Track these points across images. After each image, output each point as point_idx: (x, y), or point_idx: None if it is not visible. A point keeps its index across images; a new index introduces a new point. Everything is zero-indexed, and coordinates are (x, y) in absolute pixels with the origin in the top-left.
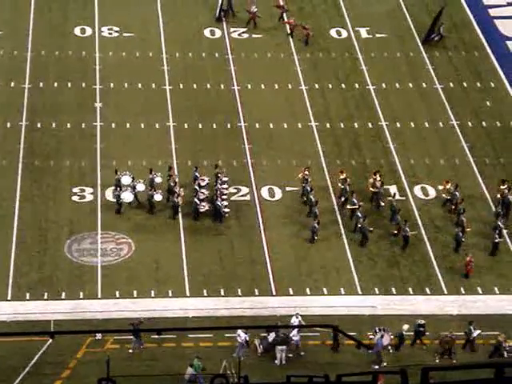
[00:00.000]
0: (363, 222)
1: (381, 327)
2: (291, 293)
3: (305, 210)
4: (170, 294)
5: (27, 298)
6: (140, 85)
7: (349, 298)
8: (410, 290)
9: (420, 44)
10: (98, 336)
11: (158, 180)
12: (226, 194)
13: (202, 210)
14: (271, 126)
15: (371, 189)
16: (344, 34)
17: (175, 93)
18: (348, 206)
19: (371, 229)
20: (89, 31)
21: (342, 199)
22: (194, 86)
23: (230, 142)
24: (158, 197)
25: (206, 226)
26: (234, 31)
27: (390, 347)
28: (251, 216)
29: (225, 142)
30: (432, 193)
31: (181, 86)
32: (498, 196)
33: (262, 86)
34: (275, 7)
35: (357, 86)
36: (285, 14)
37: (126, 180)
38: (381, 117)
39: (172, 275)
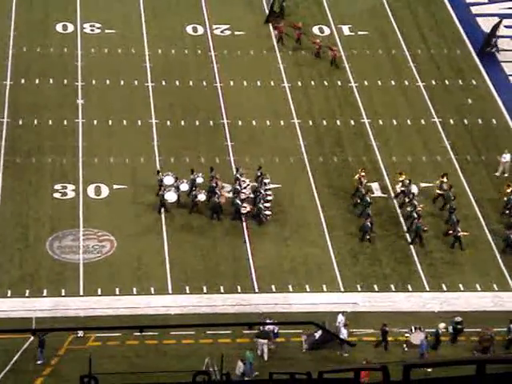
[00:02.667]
0: (417, 222)
1: (416, 325)
2: (273, 290)
3: (286, 206)
4: (153, 291)
5: (8, 295)
6: (122, 82)
7: (331, 294)
8: (392, 286)
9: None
10: (80, 333)
11: (200, 180)
12: (270, 195)
13: (243, 212)
14: (254, 123)
15: (438, 191)
16: (327, 31)
17: (157, 90)
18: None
19: (426, 228)
20: (71, 28)
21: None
22: (177, 83)
23: (213, 139)
24: (201, 197)
25: (189, 224)
26: (217, 28)
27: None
28: (233, 212)
29: (207, 139)
30: (414, 190)
31: (163, 83)
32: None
33: (245, 84)
34: (292, 27)
35: (339, 83)
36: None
37: (168, 180)
38: (363, 114)
39: (154, 272)
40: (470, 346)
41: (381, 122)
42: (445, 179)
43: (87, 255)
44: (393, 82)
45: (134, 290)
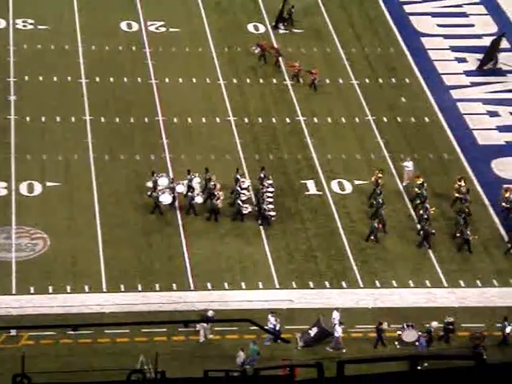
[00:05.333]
0: (426, 224)
1: (409, 323)
2: (209, 287)
3: (226, 203)
4: (87, 290)
5: None
6: (55, 78)
7: (266, 292)
8: (327, 283)
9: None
10: (13, 332)
11: (197, 181)
12: (271, 197)
13: (245, 212)
14: (189, 120)
15: (456, 194)
16: (262, 28)
17: (91, 86)
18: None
19: (433, 231)
20: (3, 24)
21: (418, 202)
22: (111, 79)
23: (148, 136)
24: (198, 199)
25: (123, 222)
26: (152, 25)
27: (417, 343)
28: (169, 210)
29: (142, 136)
30: (348, 187)
31: (97, 80)
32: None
33: (180, 80)
34: (271, 50)
35: (275, 81)
36: (281, 58)
37: (163, 182)
38: (298, 112)
39: (88, 270)
40: (461, 344)
41: (316, 120)
42: (462, 183)
43: (19, 253)
44: (327, 81)
45: (68, 288)
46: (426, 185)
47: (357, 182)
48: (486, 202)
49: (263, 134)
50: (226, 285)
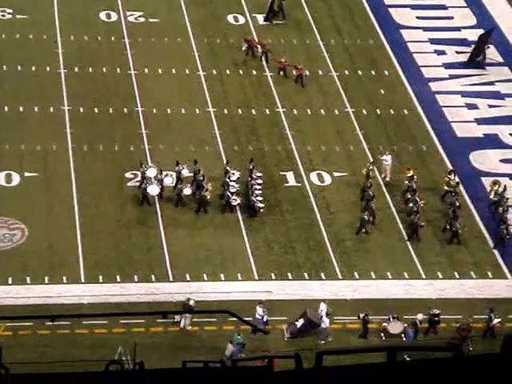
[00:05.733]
0: (415, 217)
1: (394, 315)
2: (188, 278)
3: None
4: (65, 281)
5: None
6: (34, 68)
7: (245, 283)
8: (306, 275)
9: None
10: None
11: (185, 173)
12: (260, 190)
13: (234, 204)
14: (168, 111)
15: (446, 187)
16: (241, 20)
17: (70, 76)
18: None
19: (422, 224)
20: None
21: (408, 195)
22: (90, 69)
23: (127, 126)
24: (187, 191)
25: (103, 212)
26: (131, 15)
27: (402, 335)
28: (149, 201)
29: (121, 126)
30: (328, 179)
31: (76, 70)
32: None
33: (160, 71)
34: (258, 45)
35: (254, 72)
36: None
37: (151, 173)
38: (278, 103)
39: (67, 261)
40: (448, 335)
41: (295, 112)
42: (452, 176)
43: None
44: (307, 72)
45: (46, 278)
46: (416, 177)
47: (336, 174)
48: (465, 194)
49: (243, 125)
50: (204, 276)
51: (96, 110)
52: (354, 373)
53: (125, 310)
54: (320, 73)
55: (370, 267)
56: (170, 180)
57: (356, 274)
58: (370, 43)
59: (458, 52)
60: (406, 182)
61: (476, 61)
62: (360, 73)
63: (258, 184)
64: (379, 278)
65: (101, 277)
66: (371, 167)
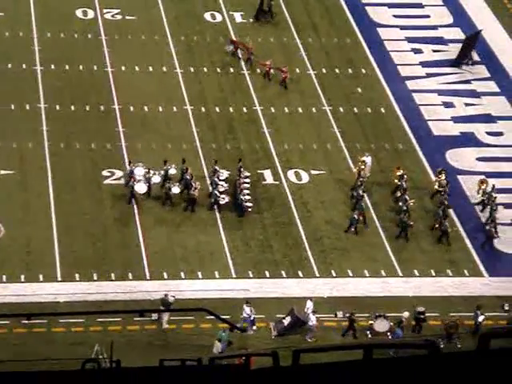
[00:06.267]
0: (404, 216)
1: (380, 313)
2: (165, 277)
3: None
4: (41, 279)
5: None
6: (10, 65)
7: (223, 281)
8: (283, 273)
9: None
10: None
11: (173, 171)
12: (248, 189)
13: (222, 202)
14: (146, 108)
15: (436, 187)
16: (219, 17)
17: (47, 74)
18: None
19: (411, 223)
20: None
21: (398, 194)
22: (67, 67)
23: (104, 124)
24: (175, 189)
25: (80, 210)
26: (108, 12)
27: (388, 333)
28: (125, 199)
29: (98, 124)
30: (305, 177)
31: (52, 67)
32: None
33: (137, 69)
34: (243, 48)
35: (232, 70)
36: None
37: (138, 171)
38: (255, 101)
39: (43, 259)
40: (434, 332)
41: (273, 110)
42: (443, 176)
43: None
44: (284, 69)
45: (22, 277)
46: (406, 176)
47: (313, 172)
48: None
49: (220, 123)
50: (182, 274)
51: (73, 108)
52: (331, 370)
53: (101, 308)
54: (297, 71)
55: (347, 265)
56: (158, 179)
57: (333, 271)
58: (347, 42)
59: (434, 50)
60: (396, 180)
61: (462, 64)
62: (337, 71)
63: (247, 183)
64: (356, 275)
65: (77, 275)
66: (362, 166)
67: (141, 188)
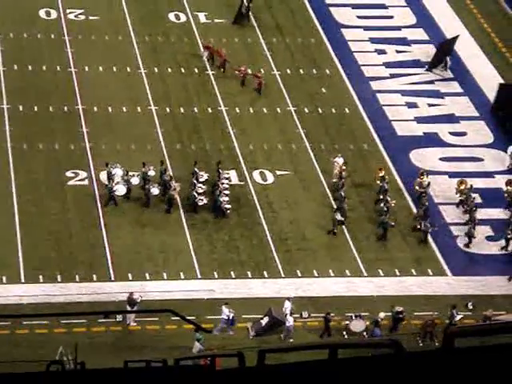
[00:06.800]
0: (386, 218)
1: (357, 313)
2: (130, 278)
3: (142, 193)
4: (4, 281)
5: None
6: None
7: (188, 282)
8: (249, 273)
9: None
10: None
11: (152, 173)
12: (227, 189)
13: (200, 204)
14: (110, 109)
15: (417, 187)
16: (183, 18)
17: (9, 74)
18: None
19: (393, 223)
20: None
21: (380, 196)
22: (30, 67)
23: (68, 125)
24: (155, 190)
25: (43, 211)
26: (71, 12)
27: (365, 333)
28: (90, 200)
29: (62, 125)
30: (270, 177)
31: (15, 68)
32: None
33: (100, 69)
34: (217, 54)
35: (196, 70)
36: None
37: (117, 173)
38: (220, 102)
39: (6, 261)
40: (412, 331)
41: (238, 110)
42: (424, 178)
43: None
44: (249, 71)
45: None
46: (387, 178)
47: (278, 173)
48: (405, 192)
49: (185, 123)
50: (147, 275)
51: (36, 109)
52: (297, 370)
53: (66, 309)
54: (262, 71)
55: (312, 265)
56: (137, 180)
57: (298, 271)
58: (312, 42)
59: (398, 51)
60: (378, 182)
61: (436, 69)
62: (302, 71)
63: (227, 185)
64: (321, 275)
65: (41, 276)
66: (344, 167)
67: (120, 190)
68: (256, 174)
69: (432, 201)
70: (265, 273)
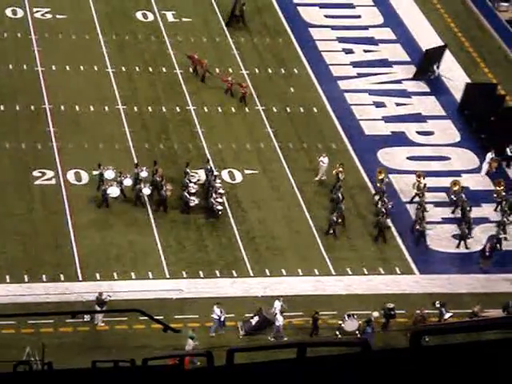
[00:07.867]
0: (382, 219)
1: (349, 313)
2: (98, 277)
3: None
4: None
5: None
6: None
7: (157, 281)
8: (218, 273)
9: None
10: None
11: (144, 174)
12: (220, 189)
13: (192, 204)
14: (77, 108)
15: (414, 190)
16: (150, 17)
17: None
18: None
19: (389, 225)
20: None
21: (378, 197)
22: None
23: (34, 124)
24: (146, 191)
25: (10, 211)
26: (37, 11)
27: (357, 332)
28: (57, 200)
29: (28, 124)
30: (239, 176)
31: None
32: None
33: (67, 68)
34: (199, 64)
35: (164, 69)
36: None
37: (109, 174)
38: (188, 101)
39: None
40: (402, 328)
41: (206, 110)
42: (421, 179)
43: None
44: (217, 70)
45: None
46: (385, 180)
47: (247, 172)
48: (372, 190)
49: (153, 123)
50: (115, 275)
51: (2, 108)
52: (265, 369)
53: (33, 310)
54: (230, 70)
55: (281, 264)
56: (129, 181)
57: (267, 271)
58: (279, 41)
59: (365, 50)
60: (378, 184)
61: (422, 77)
62: (270, 71)
63: (218, 184)
64: (290, 274)
65: (8, 276)
66: (340, 168)
67: (113, 191)
68: (224, 173)
69: (399, 200)
70: (234, 272)
